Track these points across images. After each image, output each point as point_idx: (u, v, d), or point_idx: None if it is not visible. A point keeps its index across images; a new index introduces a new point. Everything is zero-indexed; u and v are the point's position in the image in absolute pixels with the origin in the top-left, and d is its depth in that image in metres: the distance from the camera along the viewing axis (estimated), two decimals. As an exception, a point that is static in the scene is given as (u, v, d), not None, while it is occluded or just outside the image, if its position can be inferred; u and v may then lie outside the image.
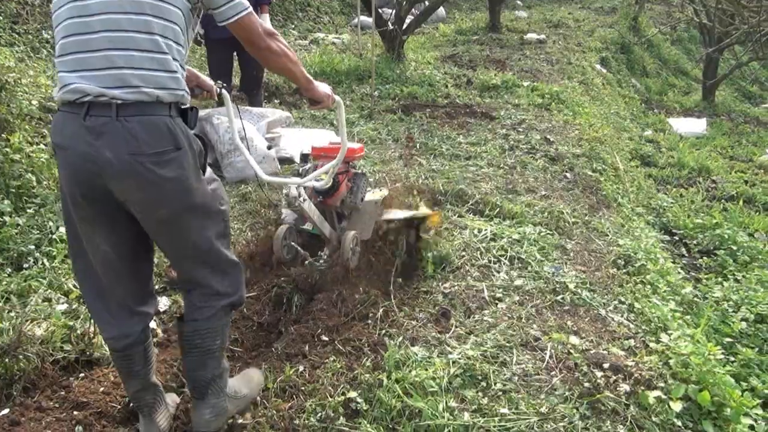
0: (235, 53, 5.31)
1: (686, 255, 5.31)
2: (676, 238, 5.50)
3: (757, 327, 3.95)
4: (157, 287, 3.22)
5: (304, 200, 2.90)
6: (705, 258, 5.16)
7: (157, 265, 3.40)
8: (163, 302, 3.11)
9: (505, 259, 3.56)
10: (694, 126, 9.74)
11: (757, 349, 3.70)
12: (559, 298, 3.21)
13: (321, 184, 3.07)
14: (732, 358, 3.57)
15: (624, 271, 3.63)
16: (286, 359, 2.76)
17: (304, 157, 3.35)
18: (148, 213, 1.94)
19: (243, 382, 2.47)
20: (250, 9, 2.04)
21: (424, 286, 3.32)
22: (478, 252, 3.65)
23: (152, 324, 2.87)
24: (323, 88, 2.49)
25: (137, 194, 1.88)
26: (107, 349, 2.32)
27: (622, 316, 3.11)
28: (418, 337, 2.88)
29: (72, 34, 1.84)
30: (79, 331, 2.75)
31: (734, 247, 5.21)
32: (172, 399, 2.46)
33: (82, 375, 2.63)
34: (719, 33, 9.23)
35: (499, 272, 3.45)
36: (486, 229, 3.85)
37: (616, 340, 2.88)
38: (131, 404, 2.36)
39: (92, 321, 2.61)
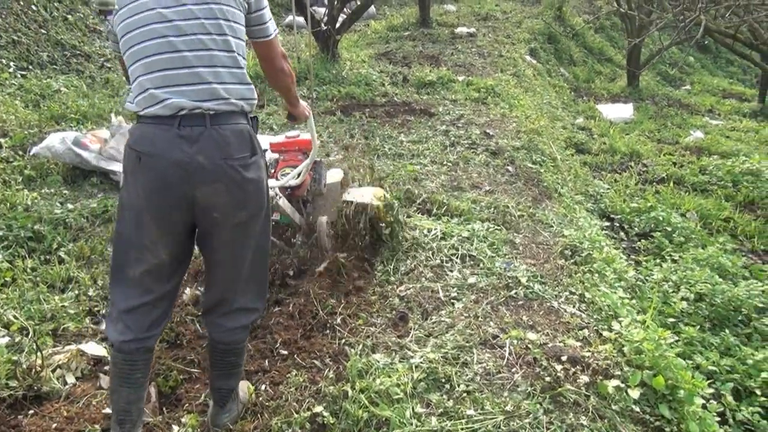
0: None
1: (625, 239, 5.49)
2: (616, 223, 5.68)
3: (696, 305, 4.12)
4: (103, 311, 3.11)
5: (280, 198, 3.18)
6: (643, 240, 5.34)
7: (101, 288, 3.29)
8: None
9: (457, 257, 3.60)
10: (621, 111, 10.07)
11: (698, 327, 3.87)
12: (512, 293, 3.27)
13: (297, 182, 3.32)
14: (676, 338, 3.73)
15: (572, 261, 3.72)
16: (246, 377, 2.71)
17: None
18: (229, 216, 2.09)
19: (244, 390, 2.58)
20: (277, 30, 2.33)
21: (379, 290, 3.31)
22: (430, 252, 3.67)
23: (103, 351, 2.77)
24: (304, 106, 2.82)
25: (224, 197, 2.05)
26: (110, 352, 2.30)
27: (574, 306, 3.19)
28: (378, 343, 2.88)
29: (159, 53, 2.00)
30: (24, 366, 2.62)
31: (669, 229, 5.42)
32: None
33: (31, 412, 2.51)
34: (640, 22, 9.56)
35: (452, 271, 3.48)
36: (435, 228, 3.87)
37: (570, 332, 2.95)
38: (113, 418, 2.24)
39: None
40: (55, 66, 7.25)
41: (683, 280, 4.38)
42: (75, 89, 6.73)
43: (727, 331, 3.88)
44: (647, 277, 4.44)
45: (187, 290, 3.27)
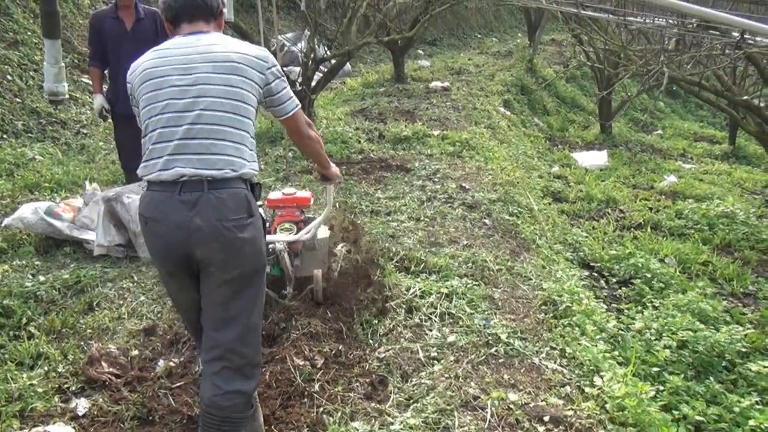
0: None
1: (606, 287, 5.49)
2: (595, 271, 5.69)
3: (680, 353, 4.10)
4: (73, 388, 3.02)
5: (287, 251, 3.38)
6: (624, 288, 5.35)
7: (72, 363, 3.20)
8: (82, 404, 2.89)
9: (436, 316, 3.56)
10: (596, 158, 10.21)
11: (682, 375, 3.84)
12: (493, 351, 3.23)
13: (307, 237, 3.47)
14: (661, 387, 3.69)
15: (551, 315, 3.70)
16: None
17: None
18: (223, 272, 2.25)
19: None
20: (300, 104, 2.55)
21: (358, 353, 3.25)
22: (410, 311, 3.63)
23: (70, 430, 2.67)
24: (335, 169, 3.02)
25: (219, 255, 2.23)
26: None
27: (555, 362, 3.16)
28: (357, 410, 2.81)
29: (172, 125, 2.24)
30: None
31: (648, 275, 5.43)
32: None
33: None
34: (609, 74, 9.82)
35: (431, 330, 3.44)
36: (414, 286, 3.84)
37: (552, 389, 2.91)
38: None
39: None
40: (30, 134, 7.23)
41: (665, 328, 4.37)
42: (50, 157, 6.70)
43: (711, 378, 3.86)
44: (629, 326, 4.43)
45: (161, 362, 3.19)
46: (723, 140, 13.18)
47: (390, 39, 9.65)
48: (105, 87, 5.09)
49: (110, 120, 5.12)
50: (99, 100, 4.88)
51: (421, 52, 16.90)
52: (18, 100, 7.52)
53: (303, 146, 2.72)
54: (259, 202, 2.49)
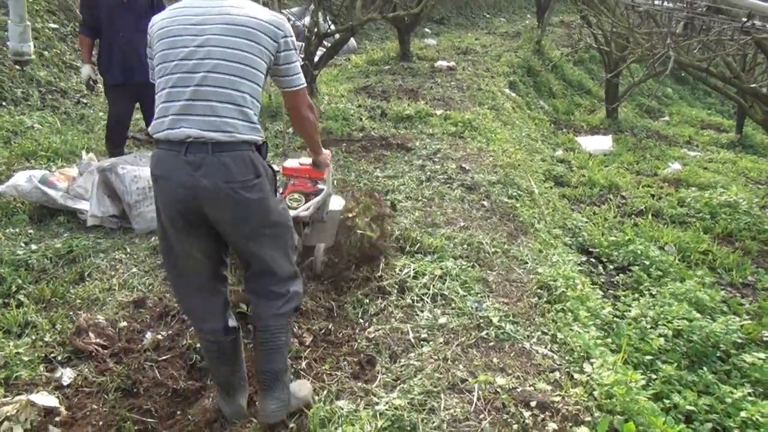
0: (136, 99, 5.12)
1: (603, 273, 5.44)
2: (593, 257, 5.64)
3: (674, 342, 4.06)
4: (59, 357, 3.00)
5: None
6: (621, 275, 5.30)
7: (59, 332, 3.18)
8: (67, 374, 2.88)
9: (428, 297, 3.53)
10: (600, 143, 10.09)
11: (676, 364, 3.80)
12: (483, 334, 3.20)
13: (308, 212, 3.47)
14: (654, 376, 3.66)
15: (545, 299, 3.66)
16: (204, 426, 2.60)
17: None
18: (235, 229, 2.37)
19: (299, 386, 2.73)
20: (306, 83, 2.60)
21: (347, 332, 3.23)
22: (402, 291, 3.60)
23: (55, 401, 2.65)
24: (325, 156, 3.13)
25: (227, 214, 2.32)
26: (200, 340, 2.68)
27: (545, 347, 3.12)
28: (344, 389, 2.79)
29: (181, 85, 2.29)
30: (-30, 419, 2.50)
31: (647, 262, 5.38)
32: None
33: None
34: (616, 57, 9.68)
35: (422, 312, 3.41)
36: (408, 267, 3.81)
37: (541, 374, 2.88)
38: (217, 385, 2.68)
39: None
40: (29, 102, 7.16)
41: (661, 316, 4.33)
42: (49, 126, 6.65)
43: (705, 368, 3.82)
44: (624, 313, 4.39)
45: (149, 334, 3.17)
46: (730, 129, 13.03)
47: (395, 15, 9.51)
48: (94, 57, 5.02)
49: (102, 90, 5.06)
50: (87, 70, 4.81)
51: (428, 30, 16.70)
52: (17, 67, 7.44)
53: (299, 126, 2.74)
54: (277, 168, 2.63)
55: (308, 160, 3.63)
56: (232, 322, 2.60)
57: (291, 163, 3.73)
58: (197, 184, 2.24)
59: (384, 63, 11.45)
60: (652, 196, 7.56)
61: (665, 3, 6.02)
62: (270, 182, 2.44)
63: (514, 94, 10.82)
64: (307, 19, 9.83)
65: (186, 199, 2.28)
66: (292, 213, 3.30)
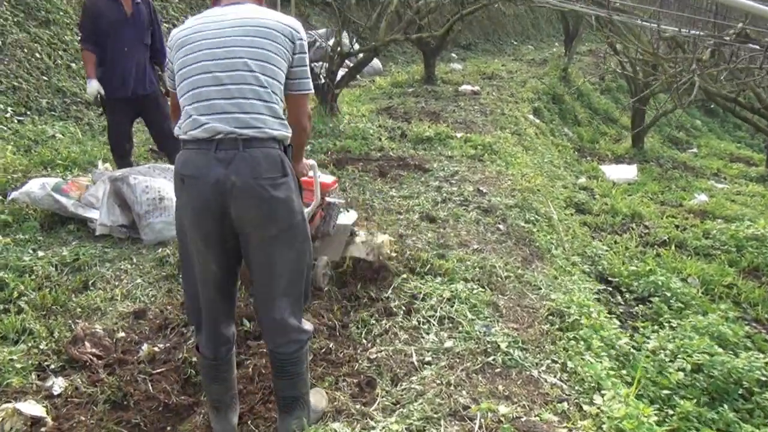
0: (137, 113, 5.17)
1: (623, 303, 5.27)
2: (612, 286, 5.48)
3: (694, 377, 3.88)
4: (53, 366, 2.94)
5: None
6: (641, 306, 5.13)
7: (56, 341, 3.12)
8: (59, 384, 2.81)
9: (435, 319, 3.41)
10: (625, 172, 9.93)
11: (695, 400, 3.62)
12: (490, 359, 3.06)
13: None
14: (671, 412, 3.49)
15: (557, 326, 3.52)
16: (194, 444, 2.51)
17: None
18: (260, 229, 2.32)
19: (315, 399, 2.70)
20: (312, 90, 2.59)
21: (349, 351, 3.12)
22: (409, 313, 3.49)
23: (41, 411, 2.58)
24: (303, 166, 2.99)
25: (255, 211, 2.28)
26: (199, 357, 2.60)
27: (555, 376, 2.98)
28: (341, 410, 2.68)
29: (206, 85, 2.30)
30: (-46, 425, 2.43)
31: (668, 294, 5.20)
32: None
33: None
34: (642, 83, 9.54)
35: (428, 334, 3.29)
36: (417, 288, 3.69)
37: (549, 404, 2.73)
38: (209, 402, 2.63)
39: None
40: (53, 112, 7.26)
41: (680, 349, 4.15)
42: (70, 135, 6.71)
43: (726, 405, 3.63)
44: (642, 345, 4.22)
45: (144, 346, 3.09)
46: (760, 162, 12.73)
47: (418, 36, 9.48)
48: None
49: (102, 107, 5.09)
50: (95, 86, 4.81)
51: (454, 55, 16.74)
52: (45, 78, 7.56)
53: (297, 136, 2.65)
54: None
55: (318, 173, 3.56)
56: (231, 342, 2.57)
57: None
58: (227, 180, 2.23)
59: (408, 85, 11.44)
60: (677, 226, 7.36)
61: (692, 31, 5.90)
62: (296, 184, 2.44)
63: (538, 121, 10.71)
64: (332, 41, 9.90)
65: (214, 197, 2.25)
66: None
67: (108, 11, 4.73)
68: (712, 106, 15.55)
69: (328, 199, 3.72)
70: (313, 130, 7.20)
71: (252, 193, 2.25)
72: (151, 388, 2.79)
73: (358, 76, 12.50)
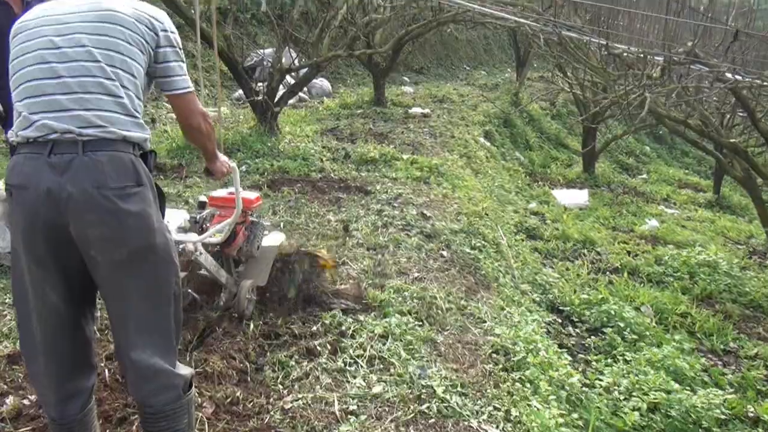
0: None
1: (574, 334, 4.96)
2: (564, 315, 5.17)
3: (650, 417, 3.59)
4: None
5: (201, 254, 2.99)
6: (593, 337, 4.83)
7: None
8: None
9: (364, 359, 3.00)
10: (576, 197, 9.79)
11: (652, 444, 3.30)
12: (424, 407, 2.67)
13: (217, 240, 3.09)
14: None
15: (501, 366, 3.15)
16: None
17: (201, 205, 3.32)
18: (106, 253, 1.91)
19: None
20: (193, 88, 2.21)
21: (260, 401, 2.68)
22: (334, 352, 3.07)
23: None
24: (221, 163, 2.64)
25: (98, 229, 1.88)
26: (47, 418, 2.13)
27: (496, 427, 2.60)
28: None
29: (40, 78, 1.93)
30: None
31: (621, 324, 4.93)
32: None
33: None
34: (592, 102, 9.45)
35: (355, 377, 2.88)
36: (344, 326, 3.28)
37: (489, 463, 2.35)
38: None
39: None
40: None
41: (636, 386, 3.85)
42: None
43: (685, 450, 3.32)
44: (595, 382, 3.90)
45: (9, 399, 2.58)
46: (708, 189, 12.82)
47: (362, 53, 9.17)
48: None
49: None
50: None
51: (406, 79, 16.56)
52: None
53: (189, 134, 2.36)
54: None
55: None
56: (86, 395, 2.10)
57: (219, 192, 3.39)
58: (61, 191, 1.84)
59: (357, 107, 11.13)
60: (628, 253, 7.16)
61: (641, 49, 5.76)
62: (154, 197, 2.03)
63: (488, 144, 10.51)
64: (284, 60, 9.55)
65: (47, 212, 1.86)
66: (194, 238, 2.98)
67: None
68: (660, 132, 15.71)
69: (251, 218, 3.44)
70: (249, 150, 6.78)
71: (93, 206, 1.86)
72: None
73: (306, 97, 12.17)
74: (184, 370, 2.09)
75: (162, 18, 2.11)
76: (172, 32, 2.13)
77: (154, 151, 2.12)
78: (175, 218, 4.50)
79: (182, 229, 3.31)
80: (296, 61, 7.40)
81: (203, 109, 2.30)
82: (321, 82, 13.00)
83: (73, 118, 1.90)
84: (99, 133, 1.90)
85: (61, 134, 1.88)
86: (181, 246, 2.89)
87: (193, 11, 5.70)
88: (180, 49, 2.17)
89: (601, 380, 3.90)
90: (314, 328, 3.24)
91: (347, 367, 2.94)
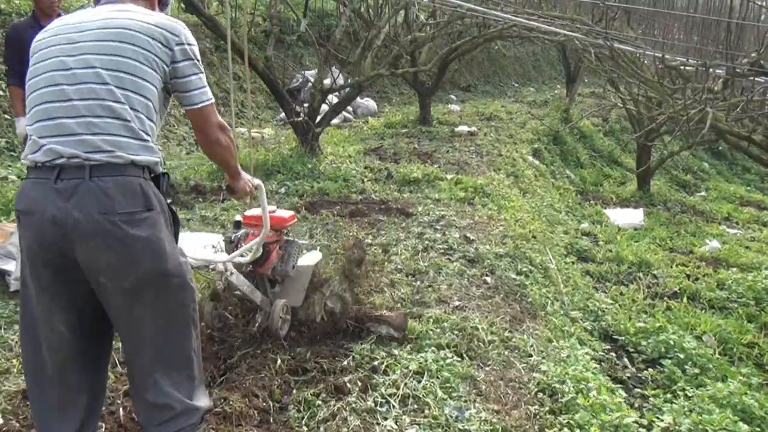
0: None
1: (629, 366, 4.63)
2: (618, 345, 4.84)
3: (717, 465, 3.24)
4: None
5: (231, 274, 2.93)
6: (650, 369, 4.49)
7: None
8: None
9: (396, 399, 2.77)
10: (631, 217, 9.38)
11: (720, 497, 2.97)
12: (460, 456, 2.43)
13: (247, 259, 3.04)
14: None
15: (547, 408, 2.88)
16: None
17: (237, 224, 3.26)
18: (114, 280, 1.88)
19: None
20: (213, 100, 2.15)
21: (284, 445, 2.49)
22: (365, 390, 2.86)
23: None
24: (244, 181, 2.53)
25: (105, 256, 1.86)
26: None
27: (541, 480, 2.34)
28: None
29: (50, 101, 1.92)
30: None
31: (681, 356, 4.58)
32: None
33: None
34: (647, 118, 9.05)
35: (386, 419, 2.66)
36: (377, 360, 3.07)
37: None
38: None
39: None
40: (13, 153, 6.79)
41: (699, 427, 3.51)
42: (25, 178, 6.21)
43: (757, 503, 2.97)
44: (653, 421, 3.57)
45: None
46: (773, 206, 12.16)
47: (406, 71, 9.03)
48: None
49: None
50: (24, 124, 4.28)
51: (453, 97, 16.36)
52: (6, 116, 7.11)
53: (208, 149, 2.29)
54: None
55: (272, 208, 3.18)
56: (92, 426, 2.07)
57: (254, 211, 3.28)
58: (67, 217, 1.83)
59: (402, 126, 10.97)
60: (688, 276, 6.75)
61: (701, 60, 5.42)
62: (166, 221, 2.00)
63: (537, 162, 10.19)
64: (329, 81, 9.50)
65: (54, 240, 1.85)
66: (223, 257, 2.96)
67: (31, 39, 4.22)
68: (720, 147, 15.02)
69: (286, 237, 3.36)
70: (289, 171, 6.68)
71: (100, 233, 1.84)
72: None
73: (351, 117, 12.10)
74: (201, 401, 2.03)
75: (178, 31, 2.05)
76: (188, 44, 2.08)
77: (167, 173, 2.08)
78: (202, 242, 4.43)
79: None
80: (337, 81, 7.29)
81: (222, 120, 2.22)
82: (366, 102, 12.93)
83: (80, 142, 1.88)
84: (106, 158, 1.88)
85: (68, 159, 1.86)
86: (211, 266, 2.89)
87: (237, 35, 5.67)
88: (198, 60, 2.12)
89: (660, 420, 3.57)
90: (344, 362, 3.04)
91: (378, 407, 2.72)
